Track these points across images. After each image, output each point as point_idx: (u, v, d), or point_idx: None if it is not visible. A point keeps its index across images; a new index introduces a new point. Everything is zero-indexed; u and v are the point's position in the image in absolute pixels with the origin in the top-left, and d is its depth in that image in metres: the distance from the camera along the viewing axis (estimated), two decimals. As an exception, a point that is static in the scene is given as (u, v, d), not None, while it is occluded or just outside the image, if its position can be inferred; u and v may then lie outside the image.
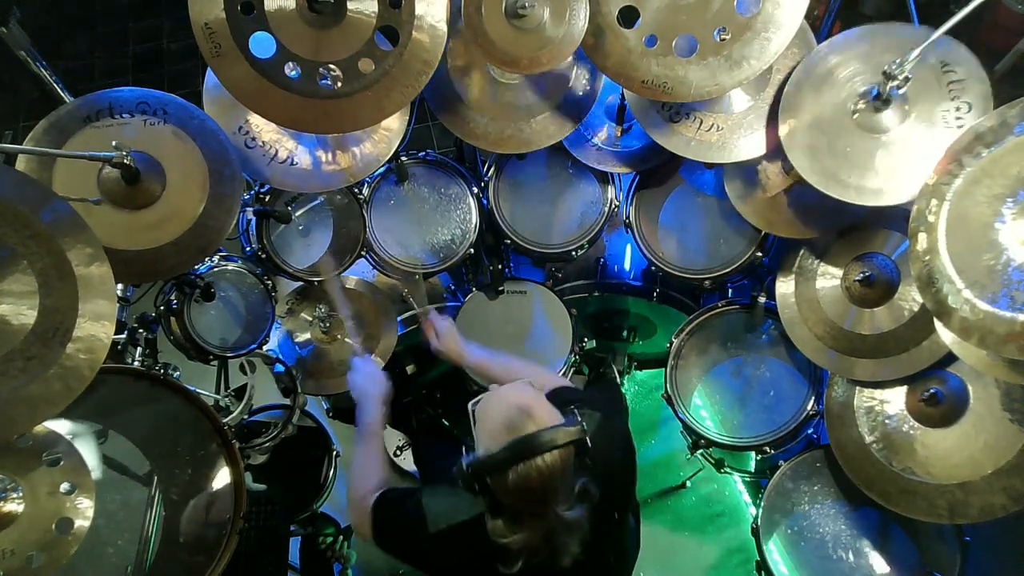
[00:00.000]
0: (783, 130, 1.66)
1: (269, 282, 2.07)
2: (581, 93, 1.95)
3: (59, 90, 1.85)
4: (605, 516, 1.36)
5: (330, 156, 1.92)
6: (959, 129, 1.46)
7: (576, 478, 1.29)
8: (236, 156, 1.66)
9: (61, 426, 1.46)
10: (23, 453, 1.41)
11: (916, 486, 1.72)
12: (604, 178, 2.33)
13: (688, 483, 2.83)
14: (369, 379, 1.79)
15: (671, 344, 2.30)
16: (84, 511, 1.42)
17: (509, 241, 2.34)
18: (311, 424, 2.52)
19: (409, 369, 2.73)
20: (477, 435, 1.35)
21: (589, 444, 1.28)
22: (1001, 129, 1.30)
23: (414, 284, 2.16)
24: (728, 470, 2.52)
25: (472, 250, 2.33)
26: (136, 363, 1.67)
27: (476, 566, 1.37)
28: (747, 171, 1.94)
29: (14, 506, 1.37)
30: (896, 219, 1.80)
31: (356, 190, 2.19)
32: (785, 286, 2.02)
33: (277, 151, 1.90)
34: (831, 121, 1.60)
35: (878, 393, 1.87)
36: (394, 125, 1.94)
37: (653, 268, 2.29)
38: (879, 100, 1.54)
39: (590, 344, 2.71)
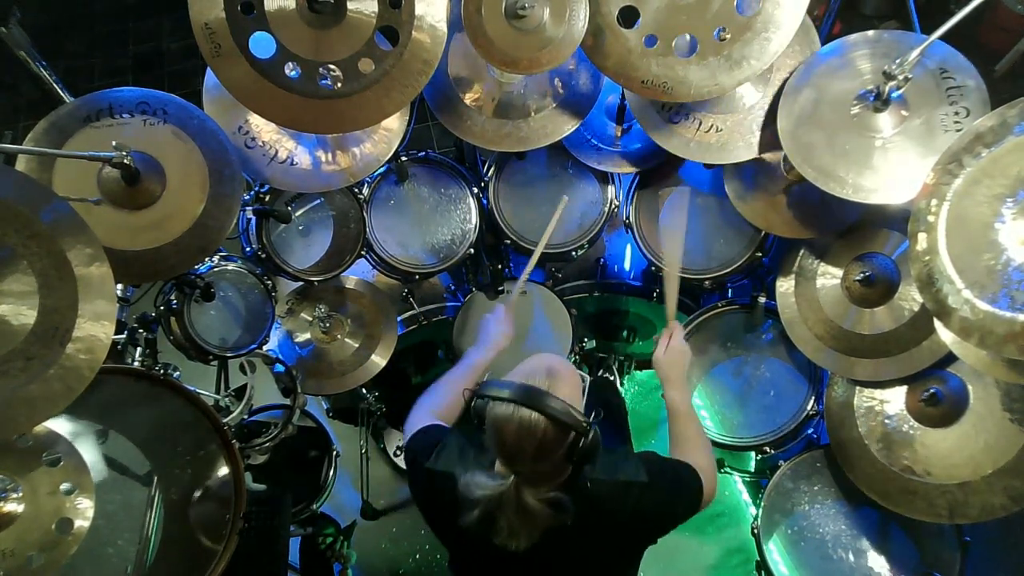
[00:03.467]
0: (782, 129, 1.67)
1: (269, 282, 2.07)
2: (581, 92, 1.95)
3: (59, 90, 1.85)
4: (564, 548, 1.33)
5: (330, 156, 1.92)
6: (957, 133, 1.46)
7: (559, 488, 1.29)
8: (236, 156, 1.66)
9: (61, 426, 1.46)
10: (23, 453, 1.40)
11: (916, 486, 1.72)
12: (604, 178, 2.33)
13: (688, 483, 2.82)
14: (498, 326, 1.85)
15: (671, 344, 2.30)
16: (84, 511, 1.42)
17: (509, 241, 2.34)
18: (311, 424, 2.52)
19: (409, 370, 2.73)
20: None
21: (587, 445, 1.25)
22: (1001, 129, 1.30)
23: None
24: (728, 470, 2.52)
25: (472, 250, 2.33)
26: (136, 363, 1.67)
27: (441, 513, 1.42)
28: (747, 171, 1.95)
29: (14, 506, 1.36)
30: (896, 219, 1.80)
31: (356, 190, 2.19)
32: (785, 286, 2.02)
33: (277, 151, 1.89)
34: (830, 121, 1.60)
35: (878, 393, 1.87)
36: (394, 125, 1.94)
37: (653, 268, 2.29)
38: (879, 101, 1.54)
39: (590, 344, 2.71)
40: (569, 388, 1.34)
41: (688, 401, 1.70)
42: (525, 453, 1.24)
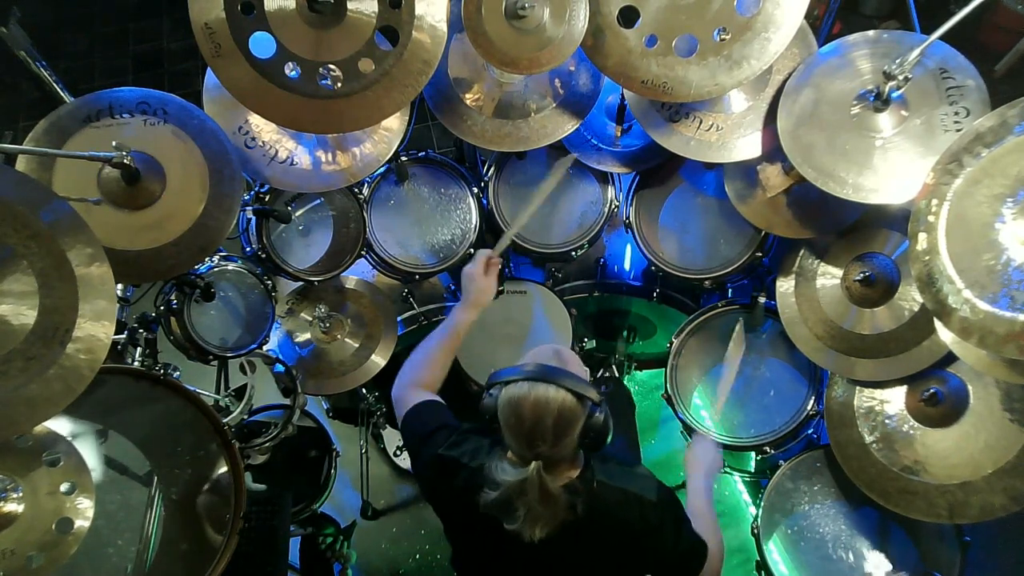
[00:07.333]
0: (782, 129, 1.67)
1: (269, 282, 2.07)
2: (581, 92, 1.95)
3: (59, 90, 1.84)
4: (572, 547, 1.34)
5: (330, 156, 1.92)
6: (957, 133, 1.46)
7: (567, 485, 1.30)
8: (236, 156, 1.66)
9: (61, 426, 1.46)
10: (23, 453, 1.40)
11: (916, 486, 1.72)
12: (604, 178, 2.33)
13: (688, 483, 2.82)
14: (474, 280, 1.73)
15: (671, 344, 2.30)
16: (84, 511, 1.42)
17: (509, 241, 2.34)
18: (311, 424, 2.52)
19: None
20: None
21: (599, 422, 1.28)
22: (1001, 129, 1.30)
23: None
24: (728, 470, 2.52)
25: (472, 250, 2.33)
26: (136, 363, 1.67)
27: (451, 501, 1.43)
28: (747, 171, 1.95)
29: (14, 506, 1.36)
30: (896, 219, 1.80)
31: (356, 190, 2.19)
32: (785, 286, 2.02)
33: (277, 151, 1.90)
34: (830, 121, 1.60)
35: (878, 393, 1.87)
36: (394, 125, 1.94)
37: (653, 268, 2.29)
38: (879, 101, 1.54)
39: (590, 344, 2.71)
40: (574, 364, 1.37)
41: (706, 495, 1.71)
42: (545, 430, 1.24)
